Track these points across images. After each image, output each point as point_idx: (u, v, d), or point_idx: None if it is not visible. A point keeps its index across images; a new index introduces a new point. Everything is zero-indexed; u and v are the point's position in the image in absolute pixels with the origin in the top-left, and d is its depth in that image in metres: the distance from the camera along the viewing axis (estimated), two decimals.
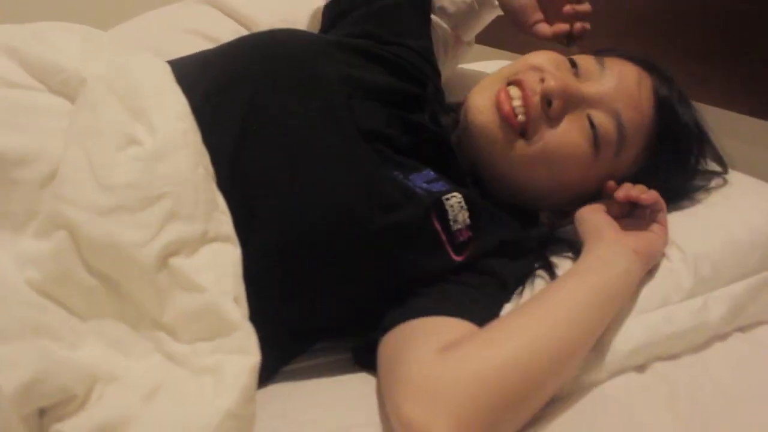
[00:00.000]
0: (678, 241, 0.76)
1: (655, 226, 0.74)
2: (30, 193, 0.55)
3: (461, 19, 1.03)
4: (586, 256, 0.70)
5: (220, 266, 0.56)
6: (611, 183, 0.77)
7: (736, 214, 0.82)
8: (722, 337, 0.76)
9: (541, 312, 0.63)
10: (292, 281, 0.65)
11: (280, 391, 0.67)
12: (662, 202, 0.74)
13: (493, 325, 0.63)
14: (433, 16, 0.99)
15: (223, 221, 0.59)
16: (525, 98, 0.73)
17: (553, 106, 0.72)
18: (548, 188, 0.77)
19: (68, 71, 0.62)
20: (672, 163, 0.79)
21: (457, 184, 0.73)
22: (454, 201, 0.69)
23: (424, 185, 0.71)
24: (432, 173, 0.73)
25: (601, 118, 0.73)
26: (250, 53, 0.74)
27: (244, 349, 0.53)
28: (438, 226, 0.69)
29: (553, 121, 0.72)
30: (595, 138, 0.73)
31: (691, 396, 0.67)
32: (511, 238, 0.74)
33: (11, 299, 0.50)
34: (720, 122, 0.87)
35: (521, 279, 0.75)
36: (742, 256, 0.77)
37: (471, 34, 1.09)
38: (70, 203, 0.53)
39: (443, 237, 0.69)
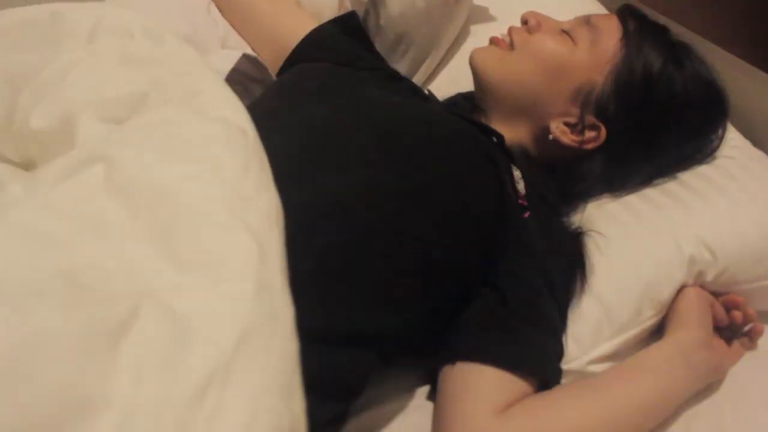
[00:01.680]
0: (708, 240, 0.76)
1: (736, 345, 0.78)
2: None
3: None
4: (668, 347, 0.73)
5: None
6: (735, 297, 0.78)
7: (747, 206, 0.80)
8: None
9: (606, 401, 0.68)
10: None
11: None
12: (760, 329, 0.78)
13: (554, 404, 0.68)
14: None
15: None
16: (508, 30, 0.90)
17: (530, 22, 0.88)
18: (543, 83, 0.85)
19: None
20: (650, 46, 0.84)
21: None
22: (516, 171, 0.79)
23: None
24: None
25: (570, 25, 0.87)
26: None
27: None
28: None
29: (533, 31, 0.87)
30: (568, 33, 0.85)
31: None
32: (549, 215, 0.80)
33: None
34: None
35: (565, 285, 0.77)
36: (754, 262, 0.77)
37: None
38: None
39: (509, 186, 0.76)
